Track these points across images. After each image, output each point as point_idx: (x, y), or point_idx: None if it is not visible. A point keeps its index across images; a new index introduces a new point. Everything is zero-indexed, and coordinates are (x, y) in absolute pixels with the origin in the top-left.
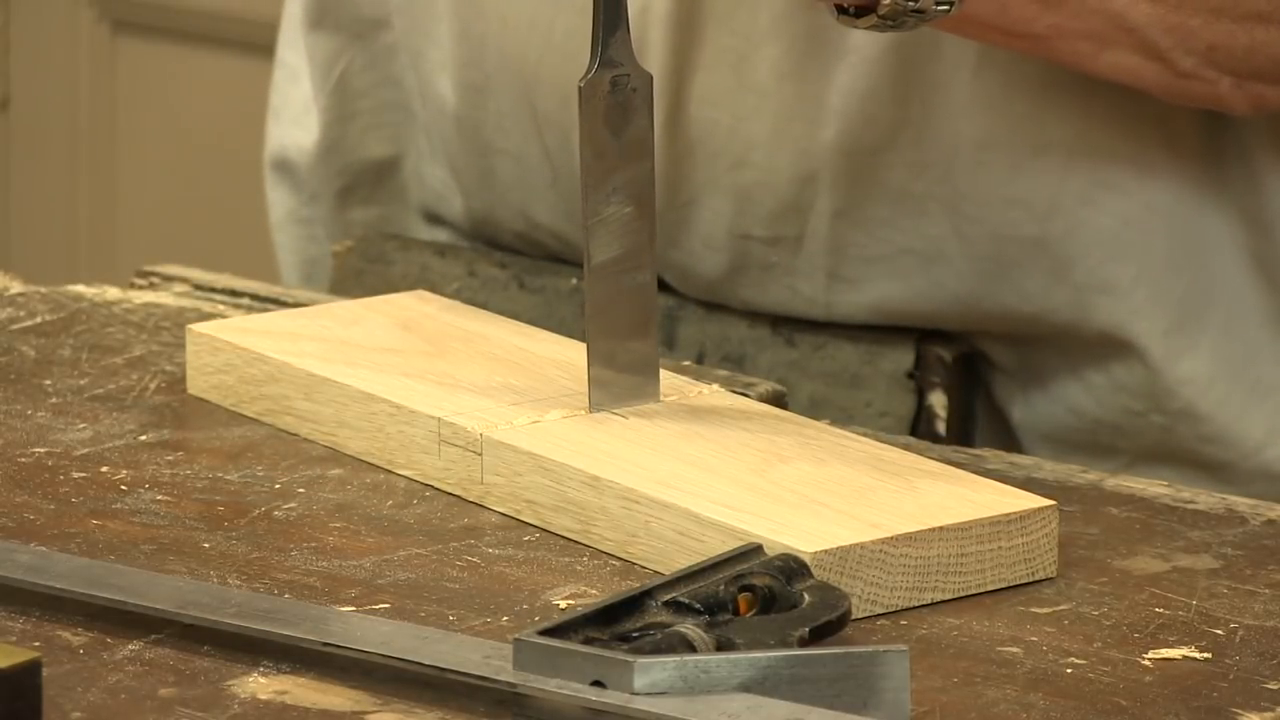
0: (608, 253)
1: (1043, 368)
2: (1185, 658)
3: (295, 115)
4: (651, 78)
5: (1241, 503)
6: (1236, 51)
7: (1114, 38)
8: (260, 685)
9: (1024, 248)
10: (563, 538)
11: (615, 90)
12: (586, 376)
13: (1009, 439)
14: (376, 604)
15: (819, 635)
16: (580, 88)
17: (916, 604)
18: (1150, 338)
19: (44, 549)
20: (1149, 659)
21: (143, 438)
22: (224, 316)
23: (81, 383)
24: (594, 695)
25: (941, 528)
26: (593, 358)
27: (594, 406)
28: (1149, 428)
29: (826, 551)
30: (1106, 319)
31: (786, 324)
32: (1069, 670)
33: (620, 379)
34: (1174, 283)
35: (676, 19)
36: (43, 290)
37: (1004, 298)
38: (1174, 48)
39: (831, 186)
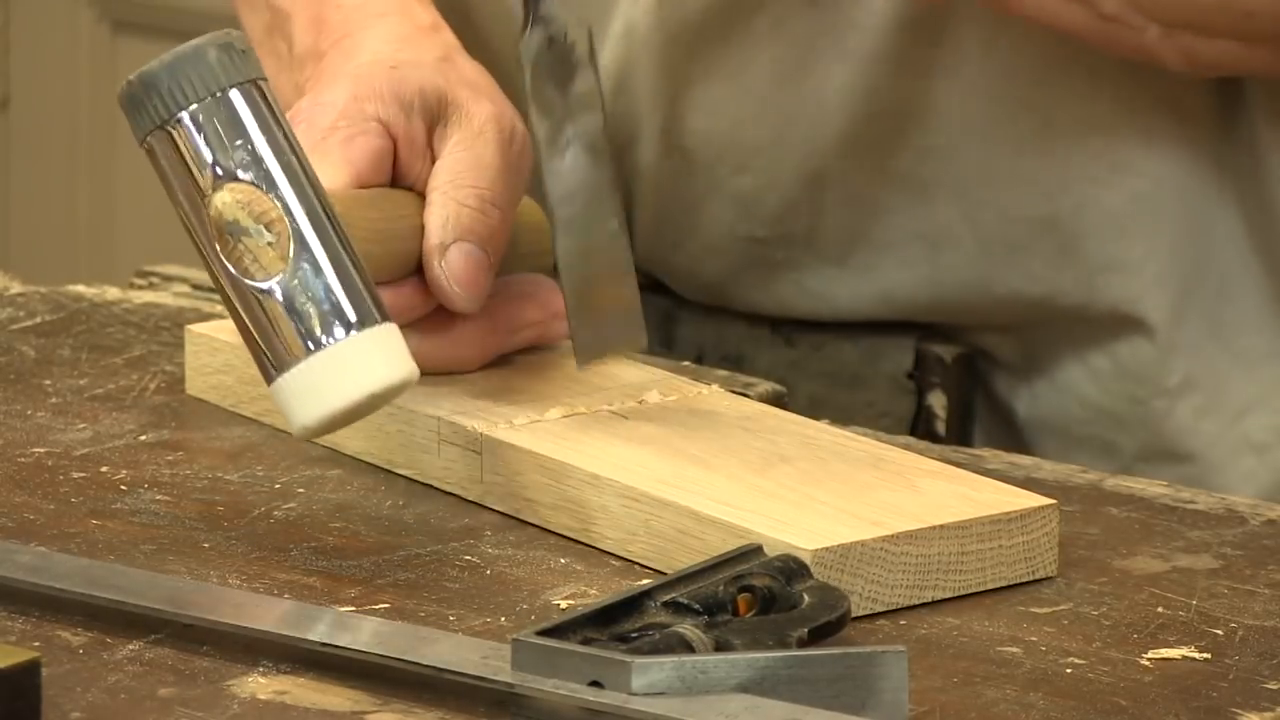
0: (571, 207)
1: (1047, 356)
2: (1185, 658)
3: None
4: (590, 30)
5: (1241, 503)
6: None
7: None
8: (260, 685)
9: (1033, 228)
10: (563, 537)
11: (553, 46)
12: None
13: (1010, 437)
14: (376, 604)
15: (818, 636)
16: (520, 49)
17: (917, 602)
18: (1158, 313)
19: (44, 549)
20: (1149, 659)
21: (143, 438)
22: (224, 317)
23: (81, 383)
24: (591, 695)
25: (942, 526)
26: (571, 312)
27: (580, 361)
28: (1150, 415)
29: (827, 549)
30: (1115, 296)
31: (786, 324)
32: (1069, 670)
33: (603, 328)
34: (1181, 258)
35: (665, 37)
36: (43, 290)
37: (1012, 280)
38: None
39: (838, 182)
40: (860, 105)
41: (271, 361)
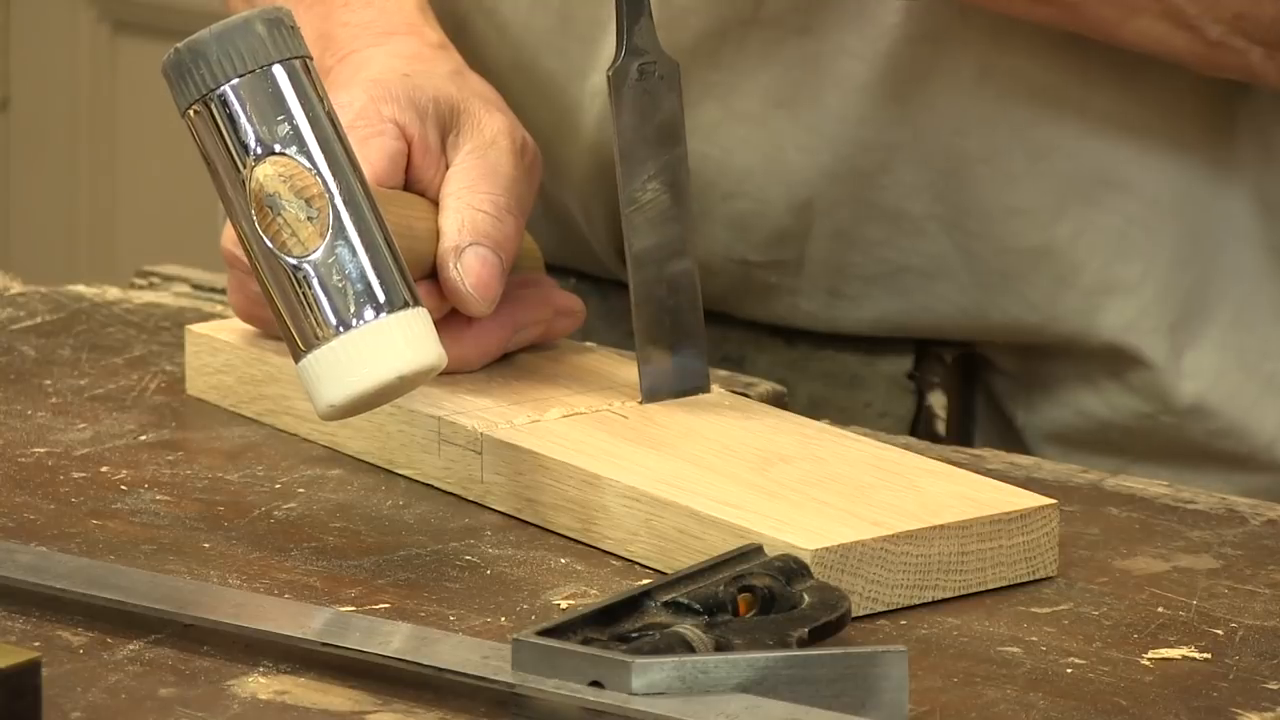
0: (646, 241)
1: (1049, 374)
2: (1185, 658)
3: None
4: (678, 65)
5: (1241, 503)
6: (1264, 21)
7: (1140, 4)
8: (260, 685)
9: (1029, 257)
10: (563, 537)
11: (643, 77)
12: (636, 369)
13: (1010, 437)
14: (376, 604)
15: (818, 636)
16: (609, 76)
17: (917, 602)
18: (1158, 334)
19: (44, 549)
20: (1149, 659)
21: (143, 438)
22: (224, 317)
23: (81, 383)
24: (592, 695)
25: (942, 525)
26: (640, 348)
27: (646, 397)
28: (1159, 429)
29: (827, 549)
30: (1114, 320)
31: (786, 329)
32: (1069, 670)
33: (669, 367)
34: (1181, 277)
35: None
36: (43, 290)
37: (1009, 308)
38: (1201, 15)
39: (827, 211)
40: (850, 133)
41: (299, 339)
